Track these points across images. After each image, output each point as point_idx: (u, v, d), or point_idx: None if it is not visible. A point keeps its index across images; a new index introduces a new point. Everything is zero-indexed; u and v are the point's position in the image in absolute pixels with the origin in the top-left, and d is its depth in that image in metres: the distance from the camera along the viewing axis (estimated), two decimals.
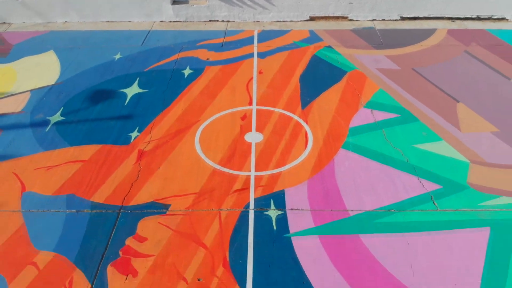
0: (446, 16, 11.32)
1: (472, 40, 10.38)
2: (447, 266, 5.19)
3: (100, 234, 5.60)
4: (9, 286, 5.03)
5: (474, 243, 5.48)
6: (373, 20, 11.29)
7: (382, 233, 5.61)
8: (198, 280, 5.07)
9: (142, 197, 6.15)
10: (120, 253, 5.36)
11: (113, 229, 5.67)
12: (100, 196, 6.15)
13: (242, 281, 5.05)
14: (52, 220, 5.83)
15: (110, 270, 5.17)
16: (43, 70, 9.15)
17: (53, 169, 6.63)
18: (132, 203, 6.04)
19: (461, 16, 11.32)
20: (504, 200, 6.11)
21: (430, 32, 10.68)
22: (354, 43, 10.24)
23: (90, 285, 5.01)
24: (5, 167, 6.72)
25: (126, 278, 5.08)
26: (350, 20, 11.34)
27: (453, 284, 4.98)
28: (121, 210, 5.94)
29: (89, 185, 6.33)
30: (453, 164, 6.71)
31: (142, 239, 5.54)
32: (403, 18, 11.34)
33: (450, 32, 10.75)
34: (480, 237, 5.57)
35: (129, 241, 5.50)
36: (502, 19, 11.45)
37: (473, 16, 11.34)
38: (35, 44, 10.27)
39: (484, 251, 5.38)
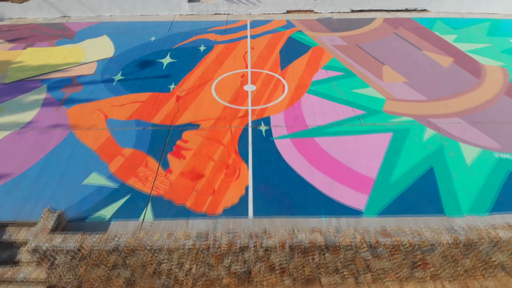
0: (384, 9, 13.77)
1: (400, 25, 12.86)
2: (365, 150, 7.75)
3: (160, 139, 8.06)
4: (109, 166, 7.47)
5: (382, 140, 8.05)
6: (332, 12, 13.69)
7: (327, 136, 8.15)
8: (221, 160, 7.58)
9: (182, 120, 8.59)
10: (174, 148, 7.84)
11: (167, 136, 8.13)
12: (156, 120, 8.58)
13: (246, 160, 7.58)
14: (128, 132, 8.26)
15: (169, 156, 7.65)
16: (102, 47, 11.42)
17: (123, 106, 9.03)
18: (177, 123, 8.49)
19: (394, 9, 13.77)
20: (403, 119, 8.68)
21: (371, 20, 13.12)
22: (317, 28, 12.66)
23: (158, 164, 7.49)
24: (91, 106, 9.08)
25: (179, 160, 7.57)
26: (315, 12, 13.73)
27: (369, 160, 7.56)
28: (171, 128, 8.40)
29: (148, 114, 8.76)
30: (375, 100, 9.25)
31: (185, 141, 8.01)
32: (353, 11, 13.76)
33: (385, 20, 13.21)
34: (386, 137, 8.15)
35: (178, 142, 7.97)
36: (424, 10, 13.93)
37: (403, 9, 13.80)
38: (91, 30, 12.48)
39: (387, 144, 7.95)
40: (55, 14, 13.34)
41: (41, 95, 9.48)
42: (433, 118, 8.70)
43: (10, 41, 12.01)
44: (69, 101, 9.23)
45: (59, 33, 12.32)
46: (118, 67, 10.50)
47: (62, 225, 6.28)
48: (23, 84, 9.89)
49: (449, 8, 13.86)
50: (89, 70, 10.40)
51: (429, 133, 8.27)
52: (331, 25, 12.87)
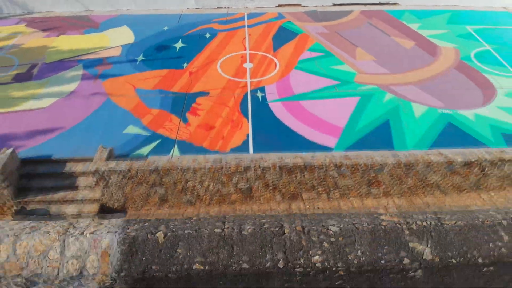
0: (361, 3, 15.98)
1: (373, 16, 15.08)
2: (337, 108, 9.98)
3: (179, 103, 10.22)
4: (142, 121, 9.63)
5: (351, 103, 10.26)
6: (316, 6, 15.89)
7: (309, 100, 10.37)
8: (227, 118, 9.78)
9: (195, 89, 10.76)
10: (190, 109, 10.02)
11: (185, 101, 10.30)
12: (175, 89, 10.74)
13: (246, 116, 9.76)
14: (154, 98, 10.41)
15: (187, 114, 9.82)
16: (124, 35, 13.55)
17: (147, 79, 11.19)
18: (192, 91, 10.67)
19: (370, 2, 16.00)
20: (369, 87, 10.91)
21: (349, 12, 15.32)
22: (304, 19, 14.86)
23: (179, 120, 9.67)
24: (121, 80, 11.20)
25: (195, 117, 9.76)
26: (303, 6, 15.94)
27: (340, 115, 9.79)
28: (187, 95, 10.57)
29: (169, 85, 10.92)
30: (348, 73, 11.47)
31: (199, 104, 10.19)
32: (334, 5, 15.97)
33: (362, 12, 15.42)
34: (354, 100, 10.36)
35: (193, 105, 10.14)
36: (395, 3, 16.18)
37: (376, 2, 16.03)
38: (113, 22, 14.59)
39: (355, 104, 10.18)
40: (80, 8, 15.43)
41: (78, 71, 11.60)
42: (393, 86, 10.95)
43: (43, 30, 14.07)
44: (103, 76, 11.36)
45: (85, 24, 14.42)
46: (139, 50, 12.64)
47: (112, 158, 8.45)
48: (62, 64, 12.00)
49: (417, 1, 16.10)
50: (115, 52, 12.53)
51: (388, 96, 10.52)
52: (316, 16, 15.08)
